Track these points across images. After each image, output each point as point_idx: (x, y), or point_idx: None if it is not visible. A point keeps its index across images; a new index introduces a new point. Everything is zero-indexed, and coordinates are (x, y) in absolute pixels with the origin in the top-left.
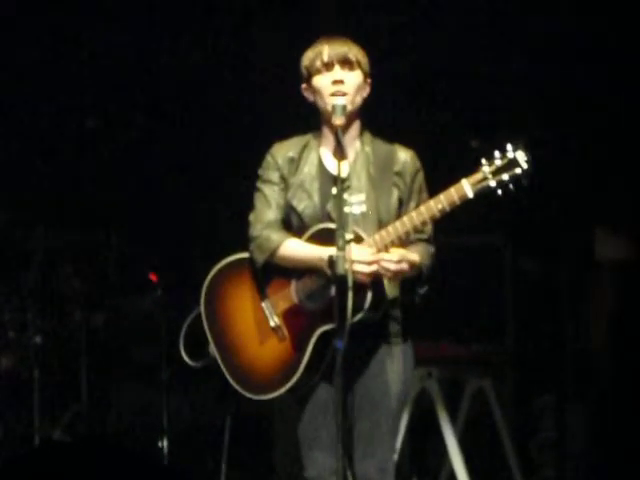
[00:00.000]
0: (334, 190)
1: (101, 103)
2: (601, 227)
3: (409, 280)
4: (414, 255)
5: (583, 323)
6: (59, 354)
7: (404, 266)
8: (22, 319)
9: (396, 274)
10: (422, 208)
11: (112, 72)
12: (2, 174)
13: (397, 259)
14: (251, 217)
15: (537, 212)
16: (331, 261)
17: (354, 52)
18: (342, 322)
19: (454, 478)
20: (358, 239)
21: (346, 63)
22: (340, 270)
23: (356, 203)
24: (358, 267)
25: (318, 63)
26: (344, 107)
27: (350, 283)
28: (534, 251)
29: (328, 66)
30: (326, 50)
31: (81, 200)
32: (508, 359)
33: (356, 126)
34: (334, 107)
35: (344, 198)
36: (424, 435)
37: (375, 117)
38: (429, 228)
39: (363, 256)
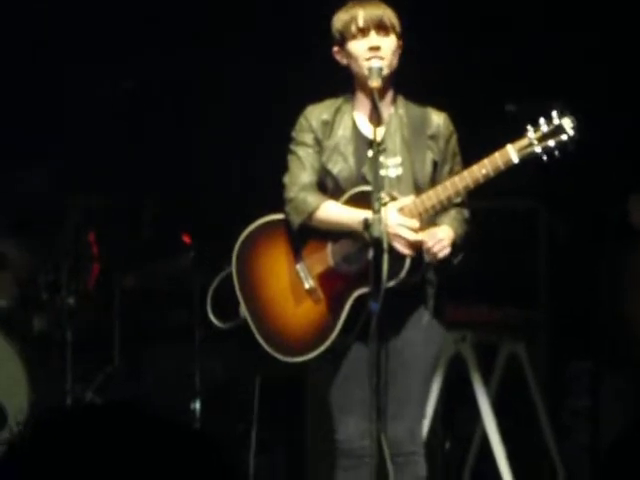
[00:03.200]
0: (370, 153)
1: (136, 64)
2: (636, 194)
3: None
4: (446, 230)
5: (619, 289)
6: (92, 316)
7: (446, 250)
8: (55, 280)
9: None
10: (465, 173)
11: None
12: (38, 137)
13: (435, 240)
14: (286, 179)
15: (572, 176)
16: (367, 224)
17: (388, 16)
18: (378, 285)
19: (487, 443)
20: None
21: (382, 28)
22: (376, 232)
23: (392, 166)
24: (403, 232)
25: (353, 28)
26: (380, 69)
27: (385, 245)
28: (568, 215)
29: (364, 31)
30: (361, 14)
31: (115, 162)
32: (542, 324)
33: (390, 90)
34: (370, 70)
35: (380, 161)
36: (457, 399)
37: (407, 82)
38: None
39: (408, 222)
